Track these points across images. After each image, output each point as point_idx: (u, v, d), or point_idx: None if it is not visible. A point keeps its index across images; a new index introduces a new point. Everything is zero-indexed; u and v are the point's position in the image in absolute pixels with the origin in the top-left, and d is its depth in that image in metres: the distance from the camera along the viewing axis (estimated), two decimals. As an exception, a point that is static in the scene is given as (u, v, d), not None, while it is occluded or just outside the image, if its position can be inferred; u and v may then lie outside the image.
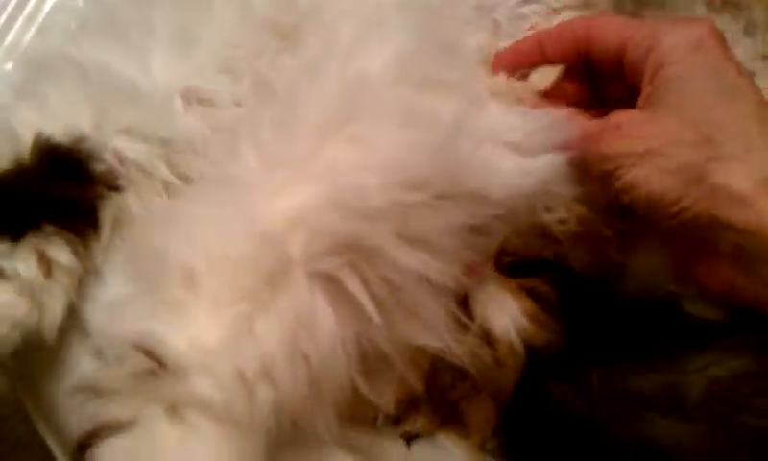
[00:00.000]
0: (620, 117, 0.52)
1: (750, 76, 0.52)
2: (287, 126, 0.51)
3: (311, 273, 0.47)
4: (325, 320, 0.47)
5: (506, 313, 0.59)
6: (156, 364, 0.42)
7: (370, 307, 0.48)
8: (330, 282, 0.47)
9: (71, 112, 0.54)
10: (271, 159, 0.49)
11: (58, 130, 0.53)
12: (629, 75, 0.54)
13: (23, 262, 0.50)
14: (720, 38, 0.52)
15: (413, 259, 0.49)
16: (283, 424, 0.46)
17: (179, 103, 0.57)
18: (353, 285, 0.48)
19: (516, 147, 0.54)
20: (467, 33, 0.60)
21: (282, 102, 0.54)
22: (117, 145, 0.55)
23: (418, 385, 0.56)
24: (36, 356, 0.53)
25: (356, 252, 0.47)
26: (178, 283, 0.45)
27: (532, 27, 0.61)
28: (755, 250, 0.48)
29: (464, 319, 0.56)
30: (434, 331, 0.52)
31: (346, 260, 0.47)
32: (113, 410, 0.43)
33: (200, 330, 0.44)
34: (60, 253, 0.52)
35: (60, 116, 0.54)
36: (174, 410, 0.42)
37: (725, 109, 0.49)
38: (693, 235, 0.50)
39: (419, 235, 0.49)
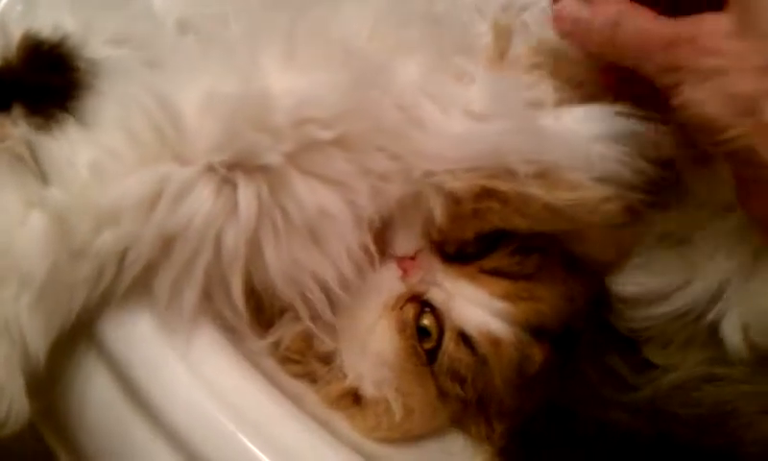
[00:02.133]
0: (698, 27, 0.47)
1: None
2: (252, 36, 0.52)
3: (207, 165, 0.48)
4: (197, 204, 0.47)
5: (470, 303, 0.56)
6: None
7: (248, 218, 0.48)
8: (223, 183, 0.48)
9: (59, 14, 0.56)
10: (222, 55, 0.51)
11: (46, 29, 0.55)
12: None
13: None
14: None
15: (312, 194, 0.49)
16: (130, 274, 0.47)
17: (171, 24, 0.58)
18: (242, 193, 0.48)
19: (472, 115, 0.53)
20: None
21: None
22: (102, 51, 0.56)
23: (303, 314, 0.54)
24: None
25: (258, 168, 0.48)
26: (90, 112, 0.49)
27: None
28: None
29: (373, 250, 0.54)
30: (332, 262, 0.52)
31: (244, 169, 0.48)
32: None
33: (79, 156, 0.47)
34: (20, 132, 0.51)
35: (48, 17, 0.56)
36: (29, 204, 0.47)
37: None
38: (737, 165, 0.48)
39: (322, 172, 0.50)
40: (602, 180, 0.53)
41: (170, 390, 0.48)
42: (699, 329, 0.55)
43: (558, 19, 0.54)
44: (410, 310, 0.57)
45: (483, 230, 0.55)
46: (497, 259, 0.56)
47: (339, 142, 0.49)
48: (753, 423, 0.49)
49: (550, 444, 0.56)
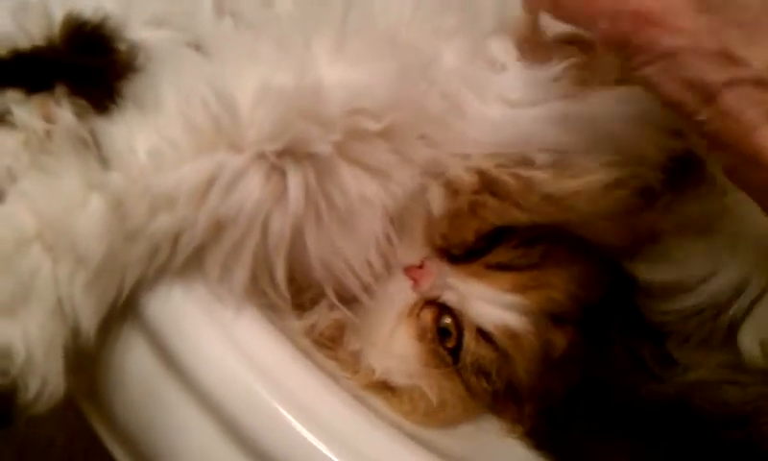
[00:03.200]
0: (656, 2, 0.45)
1: None
2: (302, 24, 0.52)
3: (260, 153, 0.49)
4: (248, 191, 0.49)
5: (483, 302, 0.57)
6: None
7: (296, 205, 0.49)
8: (272, 170, 0.49)
9: None
10: (275, 45, 0.51)
11: (87, 10, 0.56)
12: None
13: (30, 113, 0.53)
14: None
15: (357, 182, 0.51)
16: (183, 254, 0.49)
17: (209, 5, 0.59)
18: (292, 180, 0.49)
19: (507, 102, 0.54)
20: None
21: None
22: (142, 32, 0.57)
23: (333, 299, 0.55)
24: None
25: (306, 157, 0.50)
26: (150, 102, 0.49)
27: None
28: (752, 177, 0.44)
29: (394, 237, 0.55)
30: (364, 247, 0.53)
31: (293, 157, 0.49)
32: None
33: (139, 143, 0.48)
34: (64, 113, 0.53)
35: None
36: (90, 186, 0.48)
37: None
38: (713, 147, 0.46)
39: (366, 161, 0.51)
40: (618, 162, 0.53)
41: (214, 365, 0.49)
42: (717, 327, 0.54)
43: None
44: (428, 315, 0.58)
45: (482, 230, 0.56)
46: (502, 254, 0.57)
47: (386, 133, 0.50)
48: None
49: (580, 422, 0.56)
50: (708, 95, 0.44)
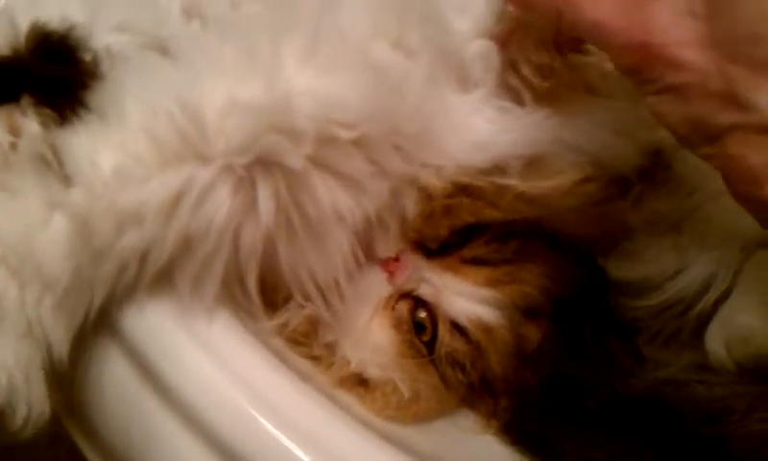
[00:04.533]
0: (651, 22, 0.43)
1: None
2: (270, 29, 0.51)
3: (226, 165, 0.48)
4: (217, 204, 0.48)
5: (458, 296, 0.57)
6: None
7: (267, 216, 0.49)
8: (241, 182, 0.48)
9: (66, 6, 0.55)
10: (242, 51, 0.50)
11: (53, 19, 0.54)
12: None
13: None
14: None
15: (329, 192, 0.50)
16: (152, 271, 0.48)
17: (177, 9, 0.58)
18: (261, 192, 0.49)
19: (483, 119, 0.53)
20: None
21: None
22: (108, 39, 0.56)
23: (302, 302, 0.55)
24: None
25: (277, 167, 0.49)
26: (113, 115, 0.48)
27: None
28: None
29: (361, 256, 0.55)
30: (331, 263, 0.53)
31: (263, 168, 0.48)
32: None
33: (102, 158, 0.46)
34: (30, 124, 0.52)
35: (55, 9, 0.55)
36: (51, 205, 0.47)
37: None
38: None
39: (338, 170, 0.50)
40: (582, 160, 0.54)
41: (190, 375, 0.48)
42: (685, 324, 0.55)
43: None
44: (404, 307, 0.58)
45: (456, 226, 0.56)
46: (476, 248, 0.57)
47: (359, 142, 0.50)
48: (743, 420, 0.49)
49: (554, 416, 0.56)
50: (712, 136, 0.43)
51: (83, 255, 0.46)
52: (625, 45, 0.44)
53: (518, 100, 0.55)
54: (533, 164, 0.54)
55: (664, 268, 0.55)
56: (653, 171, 0.57)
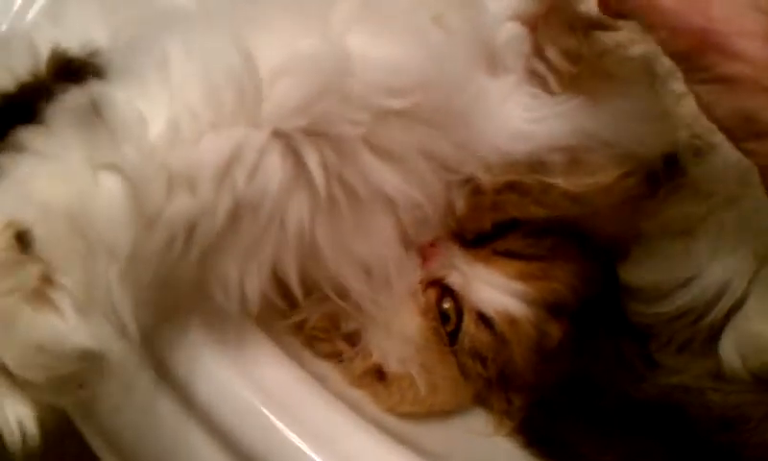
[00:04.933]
0: (711, 8, 0.42)
1: None
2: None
3: (277, 130, 0.43)
4: (270, 173, 0.43)
5: (488, 286, 0.56)
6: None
7: (319, 190, 0.45)
8: (290, 150, 0.44)
9: (87, 28, 0.50)
10: (293, 13, 0.46)
11: (74, 44, 0.48)
12: None
13: None
14: None
15: (377, 171, 0.47)
16: (197, 250, 0.43)
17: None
18: (312, 163, 0.44)
19: (524, 110, 0.52)
20: None
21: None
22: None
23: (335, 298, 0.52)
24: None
25: (325, 137, 0.45)
26: (154, 66, 0.42)
27: None
28: None
29: (411, 238, 0.53)
30: (377, 247, 0.50)
31: (312, 137, 0.44)
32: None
33: (151, 111, 0.41)
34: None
35: (76, 31, 0.50)
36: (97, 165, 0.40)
37: None
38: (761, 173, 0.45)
39: (389, 147, 0.47)
40: (624, 154, 0.53)
41: (206, 378, 0.47)
42: (698, 332, 0.55)
43: None
44: (432, 294, 0.57)
45: (499, 220, 0.56)
46: (511, 241, 0.57)
47: (410, 115, 0.47)
48: (758, 428, 0.50)
49: (569, 416, 0.57)
50: (761, 132, 0.42)
51: (140, 222, 0.40)
52: (683, 28, 0.43)
53: (545, 86, 0.54)
54: (574, 161, 0.53)
55: (676, 275, 0.55)
56: (669, 175, 0.57)
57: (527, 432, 0.58)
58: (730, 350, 0.53)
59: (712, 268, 0.54)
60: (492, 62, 0.53)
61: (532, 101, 0.53)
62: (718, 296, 0.54)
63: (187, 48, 0.43)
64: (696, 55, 0.43)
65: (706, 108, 0.44)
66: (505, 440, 0.58)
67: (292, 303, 0.53)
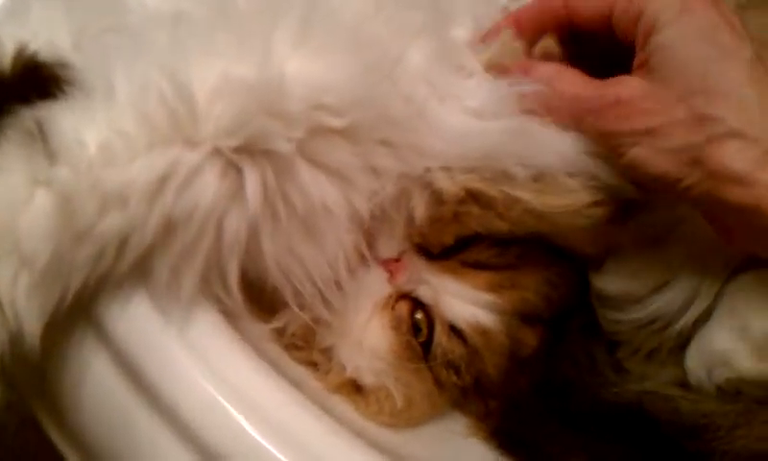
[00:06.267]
0: (619, 90, 0.47)
1: (741, 27, 0.47)
2: (264, 13, 0.48)
3: (216, 149, 0.44)
4: (203, 188, 0.44)
5: (457, 298, 0.55)
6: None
7: (254, 203, 0.45)
8: (228, 167, 0.45)
9: (51, 28, 0.51)
10: (234, 35, 0.47)
11: (38, 44, 0.50)
12: (620, 36, 0.50)
13: None
14: None
15: (316, 186, 0.46)
16: (131, 258, 0.44)
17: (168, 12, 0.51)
18: (249, 178, 0.45)
19: (472, 111, 0.51)
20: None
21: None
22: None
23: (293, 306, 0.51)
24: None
25: (265, 154, 0.45)
26: (101, 90, 0.44)
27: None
28: (759, 225, 0.45)
29: (366, 253, 0.52)
30: (327, 260, 0.50)
31: (252, 155, 0.45)
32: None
33: (91, 135, 0.43)
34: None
35: (40, 31, 0.51)
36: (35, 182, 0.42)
37: (719, 76, 0.45)
38: (703, 210, 0.48)
39: (329, 164, 0.47)
40: (592, 184, 0.52)
41: (167, 369, 0.46)
42: (665, 340, 0.54)
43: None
44: (403, 307, 0.55)
45: (462, 234, 0.53)
46: (478, 252, 0.54)
47: (347, 132, 0.46)
48: (726, 436, 0.49)
49: (541, 420, 0.56)
50: (694, 157, 0.45)
51: (63, 236, 0.41)
52: (600, 108, 0.49)
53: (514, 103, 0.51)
54: (543, 179, 0.51)
55: (647, 283, 0.53)
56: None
57: (501, 436, 0.56)
58: (695, 363, 0.53)
59: (683, 275, 0.53)
60: (458, 65, 0.52)
61: (491, 106, 0.51)
62: (687, 304, 0.53)
63: (130, 75, 0.44)
64: (618, 124, 0.48)
65: (643, 167, 0.48)
66: (481, 442, 0.56)
67: (272, 308, 0.52)
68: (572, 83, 0.49)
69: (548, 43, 0.53)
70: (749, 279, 0.51)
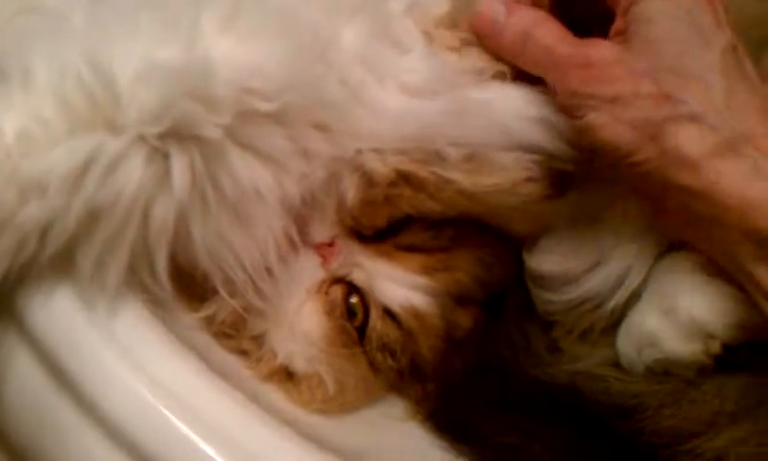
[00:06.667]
0: (591, 53, 0.47)
1: (724, 13, 0.48)
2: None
3: (139, 134, 0.43)
4: (127, 175, 0.43)
5: (391, 282, 0.55)
6: None
7: (181, 190, 0.44)
8: (154, 153, 0.44)
9: None
10: (159, 17, 0.46)
11: None
12: None
13: None
14: None
15: (248, 170, 0.46)
16: (53, 248, 0.43)
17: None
18: (176, 164, 0.44)
19: (410, 89, 0.50)
20: None
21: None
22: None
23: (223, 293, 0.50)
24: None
25: (192, 139, 0.44)
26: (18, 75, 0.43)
27: None
28: (700, 212, 0.46)
29: (297, 240, 0.52)
30: (259, 245, 0.49)
31: (179, 140, 0.44)
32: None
33: (9, 123, 0.42)
34: None
35: None
36: None
37: (692, 59, 0.46)
38: (645, 187, 0.48)
39: (260, 148, 0.46)
40: (527, 158, 0.52)
41: (92, 365, 0.45)
42: (598, 319, 0.55)
43: (478, 19, 0.52)
44: (338, 291, 0.55)
45: (394, 216, 0.53)
46: (412, 235, 0.54)
47: (278, 116, 0.45)
48: (655, 415, 0.50)
49: (477, 400, 0.56)
50: (652, 133, 0.45)
51: None
52: (567, 67, 0.48)
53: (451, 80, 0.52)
54: (475, 158, 0.51)
55: (579, 262, 0.54)
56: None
57: (438, 419, 0.56)
58: (626, 343, 0.54)
59: (615, 254, 0.53)
60: (397, 41, 0.51)
61: (427, 81, 0.50)
62: (618, 284, 0.53)
63: (49, 61, 0.43)
64: (582, 86, 0.48)
65: (598, 132, 0.48)
66: (419, 426, 0.57)
67: (202, 296, 0.51)
68: (549, 33, 0.49)
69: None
70: (678, 260, 0.52)
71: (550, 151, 0.51)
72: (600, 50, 0.47)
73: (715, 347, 0.51)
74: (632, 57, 0.47)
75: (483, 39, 0.52)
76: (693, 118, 0.45)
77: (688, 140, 0.44)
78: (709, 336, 0.51)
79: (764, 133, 0.44)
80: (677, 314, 0.51)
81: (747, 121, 0.45)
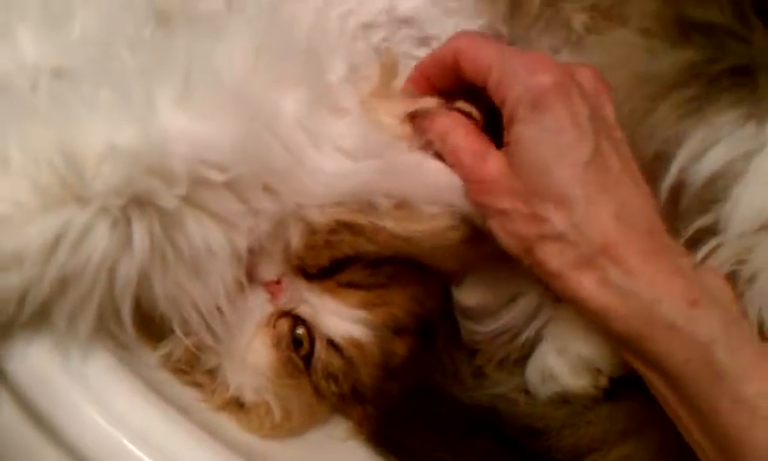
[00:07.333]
0: (483, 168, 0.53)
1: (590, 119, 0.51)
2: (145, 73, 0.51)
3: (103, 206, 0.47)
4: (94, 243, 0.47)
5: (334, 316, 0.59)
6: None
7: (141, 253, 0.48)
8: (117, 221, 0.48)
9: None
10: (117, 96, 0.49)
11: None
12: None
13: None
14: (563, 88, 0.50)
15: (202, 230, 0.50)
16: (30, 309, 0.48)
17: (48, 68, 0.55)
18: (137, 230, 0.48)
19: (345, 152, 0.55)
20: (340, 50, 0.59)
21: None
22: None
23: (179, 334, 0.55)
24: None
25: (151, 206, 0.48)
26: None
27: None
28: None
29: (245, 283, 0.56)
30: (212, 291, 0.53)
31: (140, 208, 0.48)
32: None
33: None
34: None
35: None
36: None
37: (553, 179, 0.50)
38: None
39: (213, 212, 0.50)
40: (451, 211, 0.57)
41: (67, 410, 0.49)
42: (513, 349, 0.61)
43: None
44: (284, 324, 0.59)
45: (336, 257, 0.58)
46: (352, 274, 0.59)
47: (231, 184, 0.49)
48: (558, 435, 0.56)
49: (412, 422, 0.62)
50: (527, 247, 0.51)
51: None
52: (470, 181, 0.54)
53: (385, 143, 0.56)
54: (404, 207, 0.56)
55: (499, 297, 0.60)
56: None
57: (377, 438, 0.62)
58: (533, 374, 0.60)
59: (528, 292, 0.59)
60: (334, 107, 0.56)
61: (361, 143, 0.56)
62: (530, 319, 0.59)
63: (21, 147, 0.47)
64: (478, 198, 0.54)
65: (496, 236, 0.54)
66: (360, 445, 0.62)
67: (160, 336, 0.56)
68: (458, 139, 0.55)
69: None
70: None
71: (467, 212, 0.56)
72: (490, 166, 0.52)
73: (603, 381, 0.57)
74: (512, 175, 0.51)
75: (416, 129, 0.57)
76: (556, 237, 0.50)
77: (552, 256, 0.50)
78: (597, 372, 0.57)
79: (615, 242, 0.49)
80: (569, 353, 0.57)
81: (602, 230, 0.49)
